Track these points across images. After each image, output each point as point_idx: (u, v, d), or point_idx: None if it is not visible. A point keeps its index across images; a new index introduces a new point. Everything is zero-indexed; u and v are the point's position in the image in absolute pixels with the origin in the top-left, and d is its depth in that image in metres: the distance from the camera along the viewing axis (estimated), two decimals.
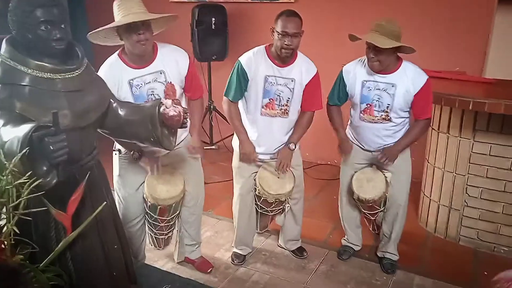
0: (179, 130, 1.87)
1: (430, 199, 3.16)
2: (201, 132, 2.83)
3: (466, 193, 2.94)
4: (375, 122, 2.47)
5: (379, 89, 2.40)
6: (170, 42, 2.31)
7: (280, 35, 2.30)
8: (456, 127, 2.88)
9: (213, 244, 3.02)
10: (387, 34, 2.25)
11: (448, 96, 2.63)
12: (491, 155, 2.80)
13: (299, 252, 2.88)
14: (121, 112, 1.79)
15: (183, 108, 1.76)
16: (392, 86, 2.37)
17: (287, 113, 2.49)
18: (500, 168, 2.79)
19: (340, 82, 2.53)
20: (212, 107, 4.67)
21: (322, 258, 2.87)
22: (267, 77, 2.41)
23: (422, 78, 2.37)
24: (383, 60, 2.31)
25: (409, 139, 2.49)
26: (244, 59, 2.44)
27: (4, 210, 1.30)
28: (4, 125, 1.39)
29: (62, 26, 1.54)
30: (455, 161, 2.93)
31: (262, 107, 2.46)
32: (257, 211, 2.71)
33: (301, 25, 2.33)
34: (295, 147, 2.57)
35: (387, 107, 2.41)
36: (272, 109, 2.47)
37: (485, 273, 2.73)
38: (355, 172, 2.64)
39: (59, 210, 1.51)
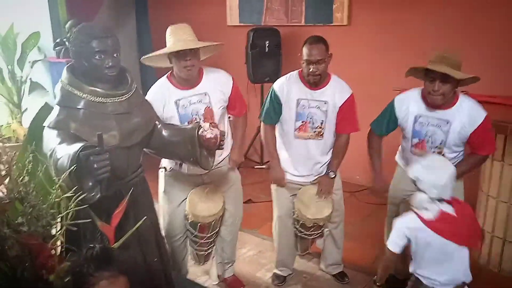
0: (219, 150, 1.98)
1: (484, 230, 3.00)
2: (243, 147, 2.93)
3: None
4: None
5: (432, 125, 2.29)
6: (226, 64, 2.48)
7: (305, 63, 2.37)
8: (508, 154, 2.73)
9: (256, 263, 3.07)
10: (453, 66, 2.13)
11: (500, 123, 2.51)
12: None
13: (340, 276, 2.85)
14: (164, 133, 1.93)
15: (220, 131, 1.86)
16: (447, 123, 2.25)
17: (321, 135, 2.52)
18: None
19: (390, 112, 2.43)
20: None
21: (364, 285, 2.81)
22: (299, 100, 2.47)
23: (480, 115, 2.21)
24: (447, 93, 2.18)
25: (460, 170, 2.28)
26: (277, 84, 2.54)
27: (53, 220, 1.45)
28: (60, 143, 1.57)
29: (115, 55, 1.70)
30: (510, 190, 2.77)
31: (296, 130, 2.51)
32: (296, 234, 2.72)
33: (327, 50, 2.38)
34: (335, 174, 2.58)
35: (441, 143, 2.30)
36: (306, 131, 2.51)
37: None
38: (404, 198, 2.55)
39: (104, 222, 1.65)
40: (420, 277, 1.96)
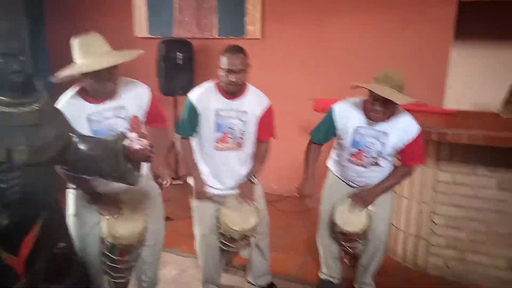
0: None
1: (397, 229, 3.18)
2: (167, 165, 2.77)
3: (432, 221, 2.98)
4: (363, 166, 2.44)
5: (371, 136, 2.35)
6: (136, 76, 2.27)
7: (225, 72, 2.32)
8: None
9: (179, 283, 2.90)
10: (396, 87, 2.20)
11: None
12: (455, 183, 2.87)
13: (269, 287, 2.80)
14: (82, 147, 1.72)
15: (149, 142, 1.71)
16: (385, 134, 2.33)
17: (241, 145, 2.47)
18: (464, 196, 2.85)
19: (329, 122, 2.44)
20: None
21: None
22: (218, 110, 2.40)
23: (414, 128, 2.33)
24: (388, 111, 2.27)
25: (390, 183, 2.46)
26: (194, 95, 2.45)
27: None
28: None
29: (21, 58, 1.48)
30: (420, 190, 2.98)
31: (216, 142, 2.44)
32: (221, 248, 2.61)
33: (246, 60, 2.35)
34: (255, 180, 2.55)
35: (378, 153, 2.38)
36: (226, 142, 2.45)
37: None
38: (337, 205, 2.55)
39: (10, 254, 1.41)
40: None
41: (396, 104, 2.23)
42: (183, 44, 4.40)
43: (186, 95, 4.48)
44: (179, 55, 4.34)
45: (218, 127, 2.41)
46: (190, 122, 2.43)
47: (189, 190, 2.59)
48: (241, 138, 2.45)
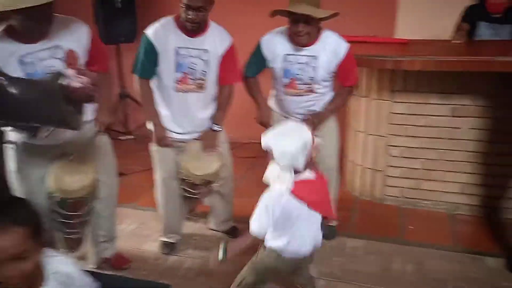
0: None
1: (354, 163, 3.21)
2: (110, 107, 2.60)
3: (388, 153, 3.02)
4: (299, 95, 2.42)
5: (301, 62, 2.33)
6: None
7: (185, 8, 2.14)
8: (375, 90, 2.93)
9: (139, 236, 2.80)
10: (313, 4, 2.17)
11: (366, 57, 2.63)
12: (409, 114, 2.89)
13: (232, 232, 2.77)
14: (13, 90, 1.51)
15: (89, 79, 1.52)
16: (314, 58, 2.31)
17: (203, 87, 2.33)
18: (418, 126, 2.89)
19: (258, 54, 2.41)
20: (124, 94, 4.36)
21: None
22: (178, 49, 2.23)
23: (343, 46, 2.33)
24: (312, 32, 2.23)
25: (334, 106, 2.47)
26: (151, 31, 2.24)
27: None
28: None
29: None
30: (375, 123, 2.99)
31: (176, 82, 2.28)
32: (183, 195, 2.53)
33: None
34: (220, 128, 2.44)
35: (310, 79, 2.36)
36: (186, 83, 2.29)
37: (410, 227, 2.86)
38: None
39: None
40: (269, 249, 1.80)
41: (318, 23, 2.22)
42: None
43: (130, 42, 4.24)
44: None
45: (178, 67, 2.25)
46: (148, 61, 2.24)
47: (149, 135, 2.44)
48: (202, 79, 2.31)
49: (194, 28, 2.21)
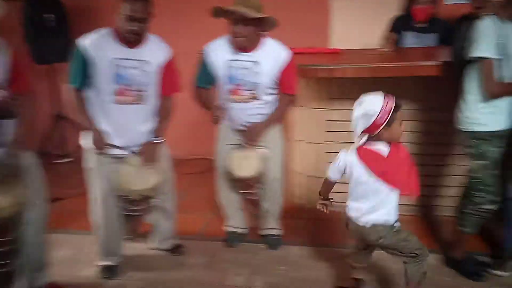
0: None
1: (297, 172, 3.24)
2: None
3: (328, 160, 3.07)
4: (244, 102, 2.43)
5: (244, 68, 2.36)
6: None
7: (126, 19, 2.10)
8: (312, 99, 2.99)
9: (76, 262, 2.65)
10: (253, 8, 2.22)
11: (301, 67, 2.67)
12: (345, 121, 2.96)
13: (176, 249, 2.69)
14: None
15: (7, 92, 1.44)
16: (256, 64, 2.35)
17: (143, 99, 2.28)
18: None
19: (204, 63, 2.43)
20: (60, 116, 4.20)
21: (201, 251, 2.73)
22: (117, 60, 2.18)
23: (285, 53, 2.38)
24: (249, 35, 2.28)
25: (274, 115, 2.49)
26: (86, 41, 2.17)
27: None
28: None
29: None
30: (314, 132, 3.05)
31: (115, 94, 2.21)
32: (122, 213, 2.43)
33: (150, 8, 2.16)
34: (160, 140, 2.39)
35: (254, 85, 2.38)
36: (126, 95, 2.23)
37: None
38: (230, 153, 2.53)
39: None
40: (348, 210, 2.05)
41: (258, 28, 2.27)
42: (52, 3, 3.92)
43: (64, 62, 4.09)
44: (50, 16, 3.87)
45: (117, 78, 2.19)
46: (82, 70, 2.17)
47: (83, 153, 2.36)
48: (143, 90, 2.25)
49: (135, 40, 2.17)
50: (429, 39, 3.35)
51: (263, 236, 2.79)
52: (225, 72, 2.39)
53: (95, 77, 2.19)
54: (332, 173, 2.07)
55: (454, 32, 2.37)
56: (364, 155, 1.89)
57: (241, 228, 2.81)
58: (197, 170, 3.92)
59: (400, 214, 2.98)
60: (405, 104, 2.81)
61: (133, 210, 2.39)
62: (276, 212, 2.73)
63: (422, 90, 2.83)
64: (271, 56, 2.36)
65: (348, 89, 2.90)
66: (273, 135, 2.55)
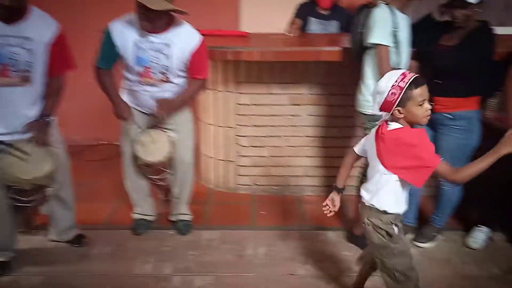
0: None
1: (207, 156, 3.23)
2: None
3: (238, 144, 3.10)
4: (153, 85, 2.32)
5: (154, 49, 2.24)
6: None
7: None
8: (221, 82, 2.97)
9: None
10: None
11: (210, 49, 2.61)
12: (254, 104, 3.00)
13: (78, 240, 2.54)
14: None
15: None
16: (167, 46, 2.25)
17: (29, 80, 2.08)
18: (263, 115, 3.02)
19: (108, 42, 2.26)
20: None
21: (106, 240, 2.61)
22: None
23: (196, 37, 2.31)
24: (155, 19, 2.15)
25: (184, 96, 2.41)
26: None
27: None
28: None
29: None
30: (223, 115, 3.04)
31: None
32: (13, 205, 2.22)
33: None
34: (50, 118, 2.20)
35: (165, 68, 2.28)
36: (8, 76, 2.02)
37: (262, 212, 2.98)
38: (137, 137, 2.43)
39: None
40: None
41: (167, 13, 2.18)
42: None
43: None
44: None
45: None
46: None
47: None
48: (28, 71, 2.07)
49: (4, 14, 1.96)
50: (332, 26, 3.49)
51: (173, 222, 2.74)
52: (132, 53, 2.26)
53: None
54: (357, 146, 1.89)
55: (354, 19, 2.48)
56: (378, 133, 1.71)
57: (149, 215, 2.73)
58: (103, 156, 3.72)
59: (308, 196, 3.17)
60: (309, 89, 2.96)
61: (24, 201, 2.18)
62: (187, 198, 2.69)
63: (324, 76, 2.93)
64: (182, 39, 2.27)
65: (256, 73, 2.93)
66: (183, 118, 2.49)
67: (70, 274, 2.33)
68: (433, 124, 2.38)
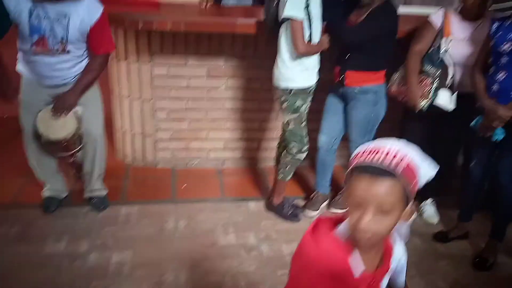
0: None
1: (123, 130, 3.11)
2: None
3: (155, 117, 3.03)
4: (52, 56, 2.18)
5: (50, 18, 2.10)
6: None
7: None
8: (133, 52, 2.85)
9: None
10: None
11: (118, 16, 2.50)
12: (170, 76, 2.93)
13: None
14: None
15: None
16: (65, 16, 2.12)
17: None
18: (180, 87, 2.96)
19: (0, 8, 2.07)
20: None
21: (13, 220, 2.44)
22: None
23: (98, 9, 2.19)
24: None
25: (88, 79, 2.30)
26: None
27: None
28: None
29: None
30: (139, 87, 2.94)
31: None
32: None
33: None
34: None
35: (62, 39, 2.15)
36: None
37: (183, 186, 2.97)
38: (38, 113, 2.28)
39: None
40: None
41: None
42: None
43: None
44: None
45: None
46: None
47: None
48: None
49: None
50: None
51: (87, 198, 2.64)
52: (27, 21, 2.10)
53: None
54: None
55: None
56: None
57: (61, 192, 2.60)
58: (4, 131, 3.41)
59: (228, 168, 3.20)
60: (226, 61, 2.94)
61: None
62: (99, 173, 2.59)
63: (240, 48, 2.93)
64: (82, 10, 2.14)
65: (171, 44, 2.84)
66: (89, 93, 2.37)
67: None
68: (344, 98, 2.52)
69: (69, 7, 2.12)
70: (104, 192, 2.65)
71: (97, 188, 2.61)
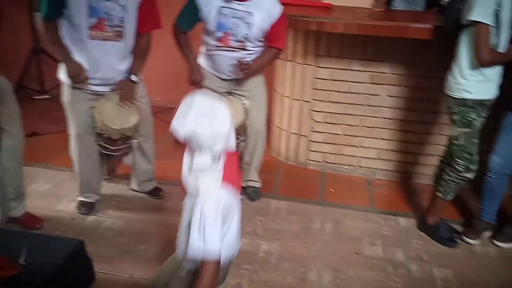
0: None
1: (280, 128, 3.25)
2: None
3: (312, 119, 3.09)
4: (231, 51, 2.38)
5: (236, 17, 2.30)
6: None
7: None
8: (300, 54, 2.96)
9: (54, 196, 2.65)
10: None
11: (291, 17, 2.60)
12: (332, 80, 2.96)
13: (155, 192, 2.69)
14: None
15: None
16: (249, 14, 2.29)
17: (121, 35, 2.18)
18: (340, 92, 2.97)
19: (192, 5, 2.33)
20: (38, 48, 4.04)
21: (180, 196, 2.73)
22: None
23: (278, 7, 2.34)
24: None
25: (260, 63, 2.46)
26: None
27: None
28: None
29: None
30: (301, 88, 3.03)
31: (90, 29, 2.11)
32: (101, 152, 2.39)
33: None
34: (137, 78, 2.32)
35: (244, 36, 2.34)
36: (103, 30, 2.13)
37: (331, 190, 2.97)
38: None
39: None
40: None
41: None
42: None
43: None
44: None
45: (93, 12, 2.07)
46: (56, 2, 2.05)
47: (61, 88, 2.29)
48: (121, 26, 2.15)
49: None
50: (419, 4, 3.33)
51: (243, 187, 2.81)
52: (215, 19, 2.32)
53: (69, 8, 2.06)
54: None
55: None
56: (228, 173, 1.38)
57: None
58: None
59: (379, 179, 3.10)
60: (391, 68, 2.85)
61: (111, 149, 2.34)
62: (257, 165, 2.75)
63: (408, 55, 2.81)
64: (264, 8, 2.31)
65: (337, 47, 2.88)
66: (257, 87, 2.55)
67: (145, 222, 2.48)
68: None
69: (254, 6, 2.28)
70: (259, 184, 2.80)
71: (253, 179, 2.77)
